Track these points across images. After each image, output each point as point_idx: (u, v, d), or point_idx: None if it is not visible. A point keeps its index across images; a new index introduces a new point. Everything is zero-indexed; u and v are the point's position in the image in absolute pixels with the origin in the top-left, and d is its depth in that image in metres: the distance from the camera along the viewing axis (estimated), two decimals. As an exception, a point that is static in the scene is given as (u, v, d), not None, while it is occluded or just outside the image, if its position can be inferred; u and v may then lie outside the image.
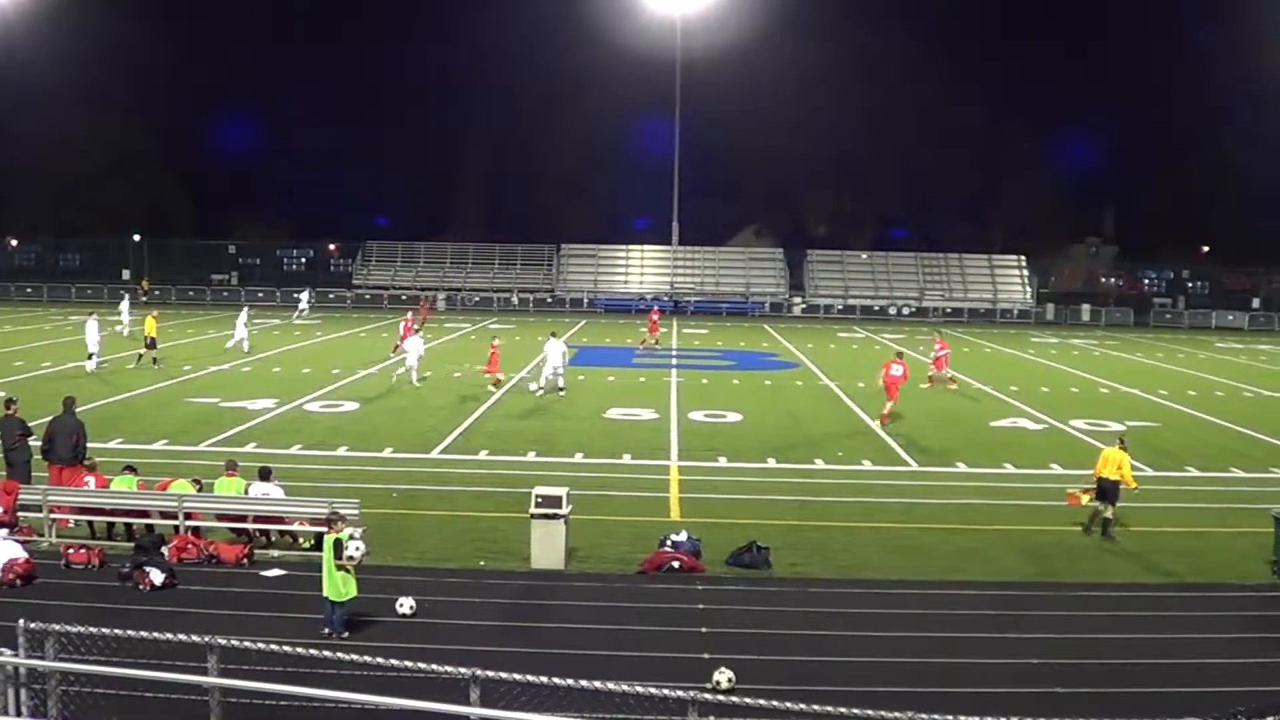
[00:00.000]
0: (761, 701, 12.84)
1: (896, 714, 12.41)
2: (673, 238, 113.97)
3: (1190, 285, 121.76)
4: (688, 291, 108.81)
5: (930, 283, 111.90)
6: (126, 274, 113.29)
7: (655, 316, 72.91)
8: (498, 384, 49.01)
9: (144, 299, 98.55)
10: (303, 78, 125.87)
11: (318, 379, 51.65)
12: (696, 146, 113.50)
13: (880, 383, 45.24)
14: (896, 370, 44.59)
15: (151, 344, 55.52)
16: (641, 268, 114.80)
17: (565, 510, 24.28)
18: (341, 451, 35.87)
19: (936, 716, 12.71)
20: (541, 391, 48.33)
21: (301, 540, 25.20)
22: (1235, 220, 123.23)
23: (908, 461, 36.79)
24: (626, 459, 35.87)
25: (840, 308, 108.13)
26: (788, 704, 12.68)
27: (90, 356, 52.94)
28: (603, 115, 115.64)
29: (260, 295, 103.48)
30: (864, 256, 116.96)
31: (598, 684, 13.17)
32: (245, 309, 67.94)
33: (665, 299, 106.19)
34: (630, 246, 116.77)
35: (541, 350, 52.02)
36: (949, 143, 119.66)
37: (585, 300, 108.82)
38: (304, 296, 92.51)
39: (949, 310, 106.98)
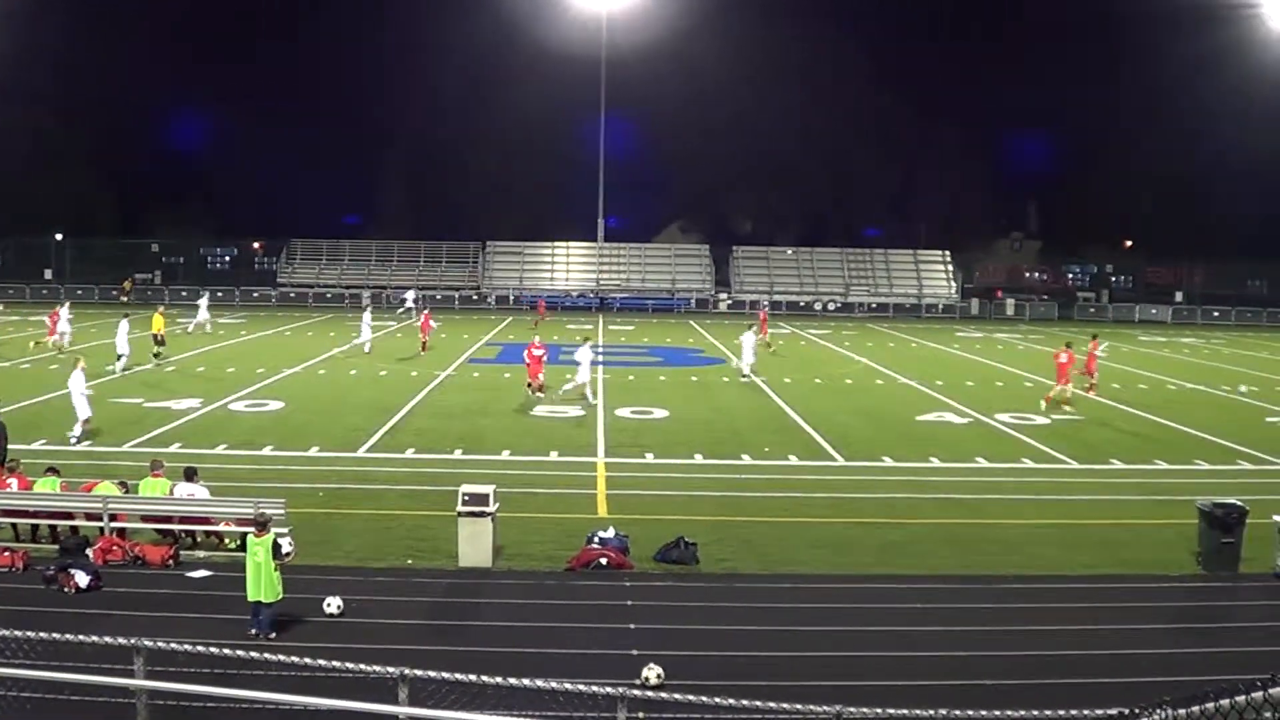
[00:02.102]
0: (690, 697, 12.86)
1: (825, 708, 12.47)
2: (598, 235, 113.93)
3: (1114, 279, 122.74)
4: (614, 288, 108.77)
5: (855, 278, 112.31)
6: (49, 273, 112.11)
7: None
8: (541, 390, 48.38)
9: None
10: (228, 76, 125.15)
11: (243, 378, 51.34)
12: (623, 144, 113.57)
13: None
14: (1063, 358, 48.37)
15: (160, 340, 57.03)
16: (567, 265, 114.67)
17: (493, 508, 24.26)
18: (267, 451, 35.67)
19: (865, 710, 12.78)
20: (590, 402, 47.84)
21: (227, 541, 25.06)
22: (1158, 215, 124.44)
23: (834, 456, 36.92)
24: (553, 456, 35.85)
25: (766, 304, 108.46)
26: (717, 699, 12.72)
27: (119, 358, 52.81)
28: (529, 113, 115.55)
29: (184, 295, 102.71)
30: (789, 252, 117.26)
31: (526, 682, 13.17)
32: (205, 295, 74.55)
33: (592, 295, 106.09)
34: (556, 244, 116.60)
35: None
36: (874, 139, 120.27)
37: (511, 297, 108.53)
38: (202, 304, 77.70)
39: (874, 305, 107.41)
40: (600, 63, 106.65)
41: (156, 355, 56.02)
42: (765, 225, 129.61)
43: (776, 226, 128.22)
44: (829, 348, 71.72)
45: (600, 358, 62.34)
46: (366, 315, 64.97)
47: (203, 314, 73.80)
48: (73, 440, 36.00)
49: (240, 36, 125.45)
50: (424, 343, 64.55)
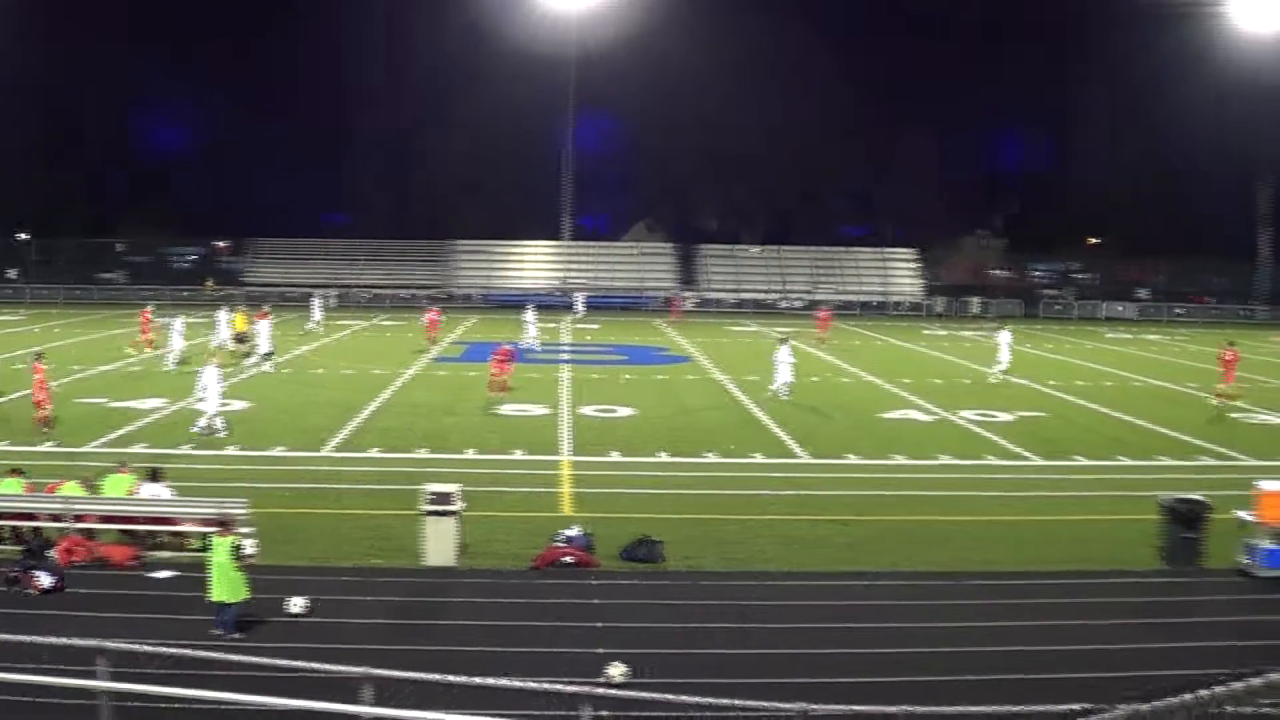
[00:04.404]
0: (656, 695, 12.88)
1: (791, 705, 12.50)
2: (565, 233, 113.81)
3: (1079, 277, 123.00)
4: (580, 287, 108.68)
5: (822, 276, 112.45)
6: (13, 273, 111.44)
7: (434, 317, 70.99)
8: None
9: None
10: (194, 76, 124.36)
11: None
12: (590, 142, 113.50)
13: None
14: (1229, 356, 50.11)
15: (241, 339, 58.47)
16: (535, 264, 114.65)
17: (457, 507, 24.25)
18: (231, 451, 35.56)
19: (830, 707, 12.82)
20: (785, 394, 47.85)
21: (191, 541, 24.97)
22: (1124, 212, 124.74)
23: (799, 454, 36.99)
24: (519, 455, 35.83)
25: (733, 302, 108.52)
26: (683, 696, 12.74)
27: (268, 356, 54.88)
28: (498, 112, 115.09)
29: (147, 295, 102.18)
30: (756, 250, 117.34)
31: (491, 681, 13.17)
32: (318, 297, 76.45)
33: (557, 294, 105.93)
34: (523, 242, 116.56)
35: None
36: (842, 137, 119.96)
37: (477, 296, 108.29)
38: (317, 304, 76.95)
39: (840, 304, 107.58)
40: (568, 61, 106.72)
41: (249, 355, 56.82)
42: (732, 223, 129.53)
43: (744, 224, 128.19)
44: (799, 347, 71.81)
45: (567, 357, 62.33)
46: (176, 322, 57.95)
47: (317, 313, 74.42)
48: (200, 430, 37.43)
49: (207, 33, 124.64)
50: (432, 338, 66.40)
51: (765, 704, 12.52)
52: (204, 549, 21.35)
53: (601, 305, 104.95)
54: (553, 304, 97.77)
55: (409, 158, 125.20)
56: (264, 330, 55.24)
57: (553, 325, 74.23)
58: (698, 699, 12.58)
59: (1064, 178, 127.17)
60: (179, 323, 56.28)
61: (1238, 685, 5.27)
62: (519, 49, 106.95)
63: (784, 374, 48.23)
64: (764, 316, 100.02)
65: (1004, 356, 55.90)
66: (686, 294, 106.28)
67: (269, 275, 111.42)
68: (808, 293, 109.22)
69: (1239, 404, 48.11)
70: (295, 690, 13.86)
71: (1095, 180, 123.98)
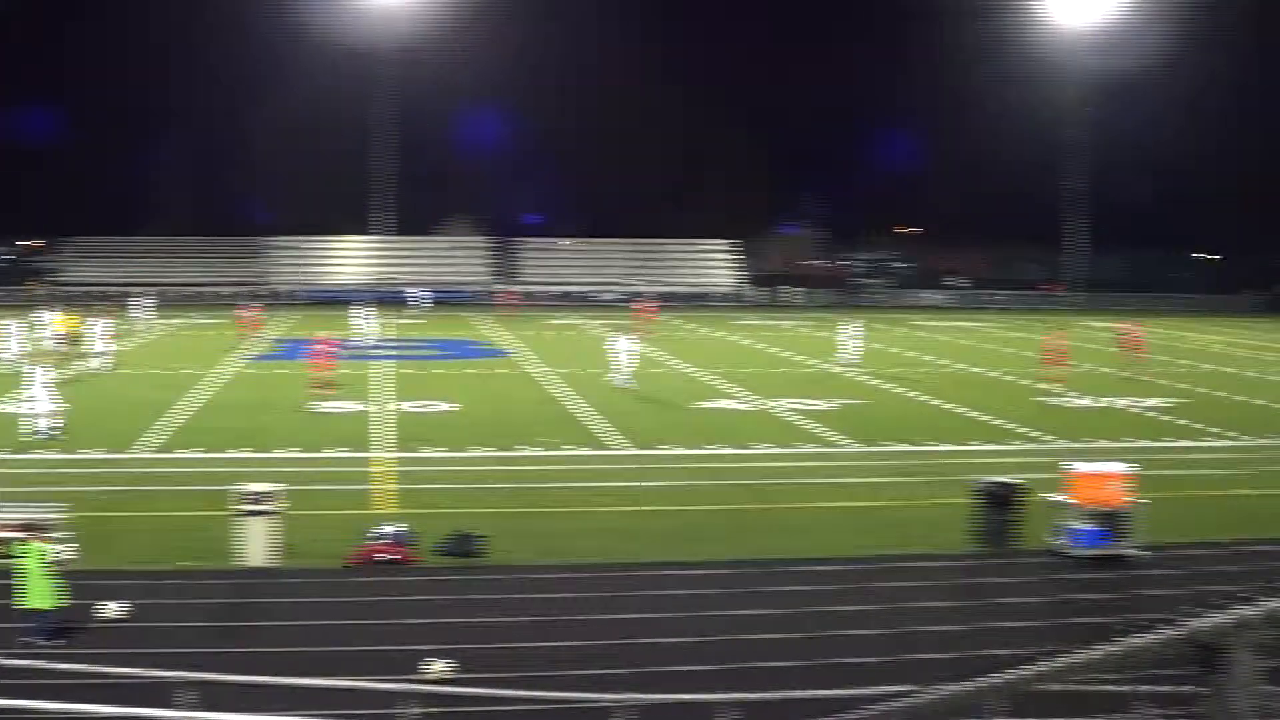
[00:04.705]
0: (478, 690, 12.84)
1: (612, 695, 12.51)
2: (382, 228, 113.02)
3: (895, 266, 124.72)
4: (398, 282, 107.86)
5: (640, 268, 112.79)
6: None
7: (252, 315, 70.34)
8: None
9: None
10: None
11: (11, 379, 50.01)
12: (407, 136, 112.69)
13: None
14: (1056, 344, 52.41)
15: (69, 340, 56.47)
16: (352, 259, 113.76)
17: (275, 506, 23.96)
18: (37, 455, 34.79)
19: (653, 696, 12.86)
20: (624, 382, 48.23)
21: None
22: (940, 202, 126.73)
23: (618, 445, 37.09)
24: (338, 452, 35.49)
25: (553, 295, 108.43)
26: (504, 691, 12.72)
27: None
28: (312, 106, 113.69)
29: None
30: (574, 243, 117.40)
31: (310, 681, 13.04)
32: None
33: (391, 290, 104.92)
34: (340, 238, 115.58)
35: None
36: (659, 128, 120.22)
37: (296, 293, 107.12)
38: (365, 313, 73.75)
39: (658, 295, 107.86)
40: (383, 53, 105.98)
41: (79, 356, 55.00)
42: (550, 217, 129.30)
43: (562, 218, 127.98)
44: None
45: (385, 352, 61.84)
46: (13, 325, 56.95)
47: (135, 312, 72.99)
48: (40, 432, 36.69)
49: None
50: (247, 336, 65.63)
51: (588, 695, 12.52)
52: (12, 556, 20.88)
53: (419, 299, 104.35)
54: (388, 299, 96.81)
55: (223, 154, 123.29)
56: (99, 330, 53.88)
57: (377, 321, 73.34)
58: (519, 693, 12.56)
59: (880, 167, 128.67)
60: (15, 326, 55.32)
61: (1052, 663, 5.36)
62: (332, 40, 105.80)
63: (623, 362, 49.10)
64: (583, 310, 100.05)
65: (851, 348, 56.68)
66: (512, 288, 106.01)
67: (82, 274, 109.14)
68: (626, 285, 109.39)
69: (1057, 389, 49.18)
70: (111, 697, 13.60)
71: (911, 170, 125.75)
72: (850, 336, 58.60)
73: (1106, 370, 56.47)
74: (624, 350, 49.65)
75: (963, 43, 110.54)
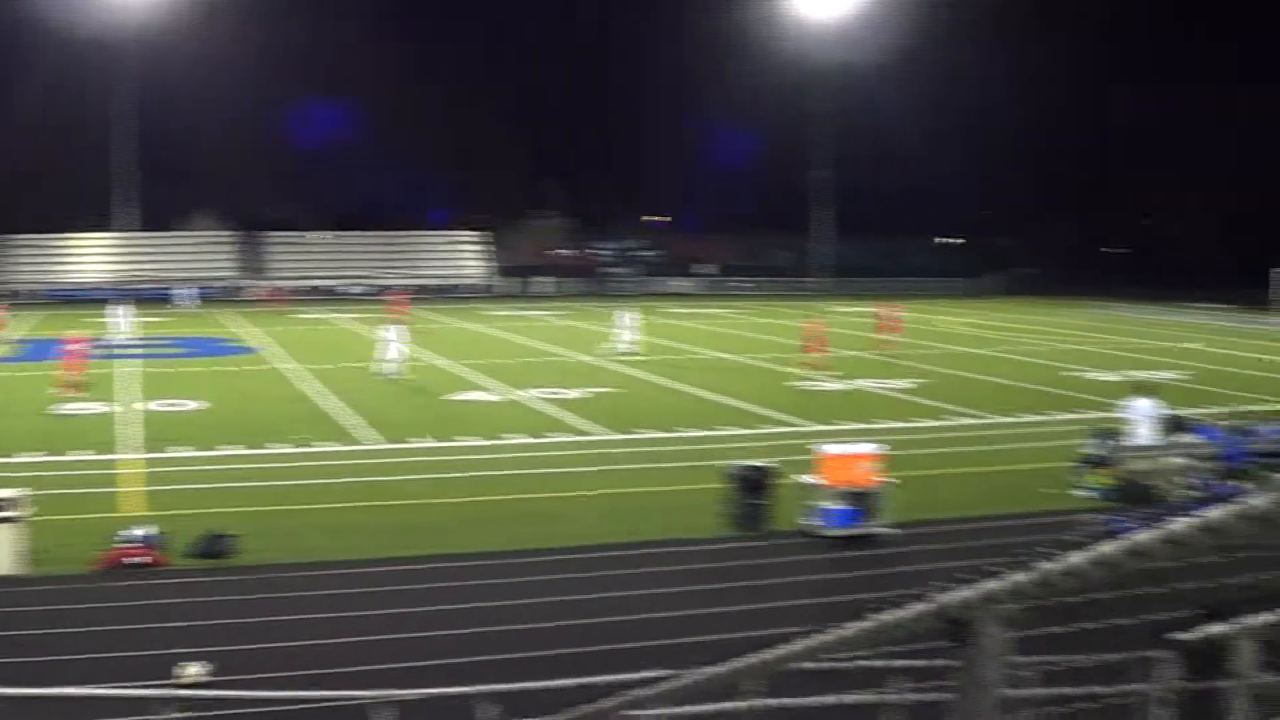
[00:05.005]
0: (235, 692, 12.67)
1: (372, 691, 12.44)
2: (124, 224, 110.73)
3: (644, 254, 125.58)
4: (141, 279, 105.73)
5: (390, 260, 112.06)
6: None
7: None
8: None
9: None
10: None
11: None
12: (148, 128, 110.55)
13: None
14: (820, 329, 52.50)
15: None
16: (94, 256, 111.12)
17: (19, 513, 23.30)
18: None
19: (415, 691, 12.81)
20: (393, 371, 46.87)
21: None
22: (684, 189, 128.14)
23: (369, 440, 36.82)
24: (82, 454, 34.62)
25: (301, 289, 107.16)
26: (263, 692, 12.57)
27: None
28: (49, 98, 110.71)
29: None
30: (322, 236, 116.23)
31: (63, 690, 12.74)
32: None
33: (150, 287, 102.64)
34: (80, 235, 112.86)
35: None
36: (407, 119, 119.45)
37: (38, 292, 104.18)
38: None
39: (409, 288, 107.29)
40: (122, 44, 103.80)
41: None
42: (298, 211, 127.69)
43: (310, 211, 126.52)
44: (360, 332, 71.36)
45: (129, 351, 60.51)
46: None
47: (127, 324, 66.91)
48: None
49: None
50: None
51: (346, 693, 12.42)
52: None
53: (164, 297, 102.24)
54: (150, 297, 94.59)
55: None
56: None
57: (133, 320, 71.62)
58: (277, 693, 12.42)
59: (629, 155, 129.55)
60: None
61: (807, 641, 5.45)
62: (69, 29, 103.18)
63: (393, 353, 49.35)
64: (332, 304, 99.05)
65: (628, 336, 56.98)
66: (263, 282, 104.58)
67: None
68: (374, 278, 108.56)
69: (814, 373, 50.00)
70: None
71: (659, 158, 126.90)
72: (627, 325, 58.85)
73: (858, 354, 57.53)
74: (393, 341, 49.55)
75: (712, 33, 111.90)
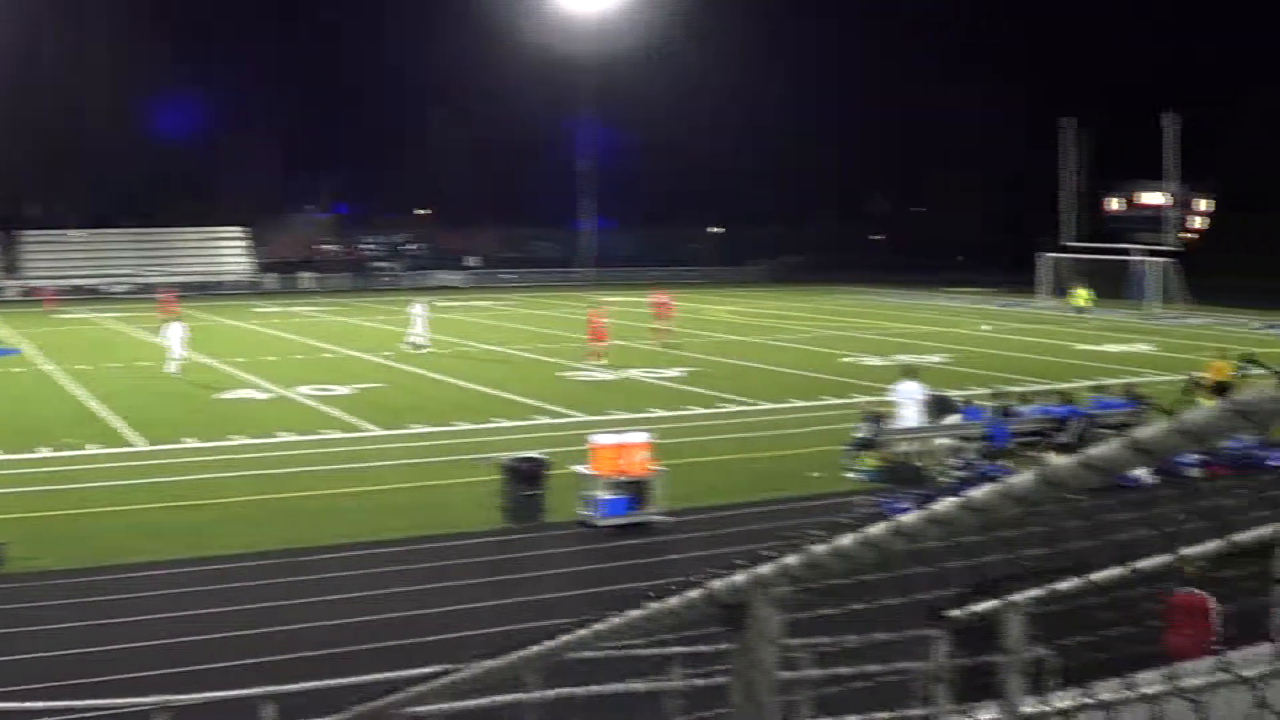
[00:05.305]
0: (7, 705, 12.38)
1: (151, 698, 12.25)
2: None
3: (409, 248, 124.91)
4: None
5: (151, 258, 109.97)
6: None
7: None
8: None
9: None
10: None
11: None
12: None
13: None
14: (600, 319, 52.51)
15: None
16: None
17: None
18: None
19: (192, 696, 12.63)
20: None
21: None
22: (450, 184, 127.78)
23: (138, 441, 36.14)
24: None
25: (61, 289, 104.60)
26: (37, 704, 12.31)
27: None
28: None
29: None
30: (79, 235, 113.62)
31: None
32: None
33: None
34: None
35: None
36: (170, 114, 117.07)
37: None
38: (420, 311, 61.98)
39: (173, 285, 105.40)
40: None
41: None
42: (56, 208, 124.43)
43: (68, 209, 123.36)
44: (125, 331, 69.99)
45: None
46: None
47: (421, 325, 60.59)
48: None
49: None
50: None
51: (125, 700, 12.22)
52: None
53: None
54: None
55: None
56: None
57: None
58: (54, 703, 12.17)
59: (394, 150, 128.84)
60: None
61: (586, 631, 5.49)
62: None
63: (176, 350, 49.59)
64: (93, 302, 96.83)
65: (420, 328, 56.52)
66: (18, 283, 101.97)
67: None
68: (136, 276, 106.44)
69: (596, 363, 50.28)
70: None
71: (424, 152, 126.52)
72: (419, 315, 58.13)
73: (630, 343, 57.75)
74: (175, 339, 49.51)
75: (478, 25, 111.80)
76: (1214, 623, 14.04)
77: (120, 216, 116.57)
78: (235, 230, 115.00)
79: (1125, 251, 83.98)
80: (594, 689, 10.26)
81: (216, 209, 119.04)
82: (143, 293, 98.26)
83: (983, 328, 65.79)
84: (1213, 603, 14.12)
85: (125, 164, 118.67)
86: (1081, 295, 72.47)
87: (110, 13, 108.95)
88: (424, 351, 55.78)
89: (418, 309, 58.60)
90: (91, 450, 35.02)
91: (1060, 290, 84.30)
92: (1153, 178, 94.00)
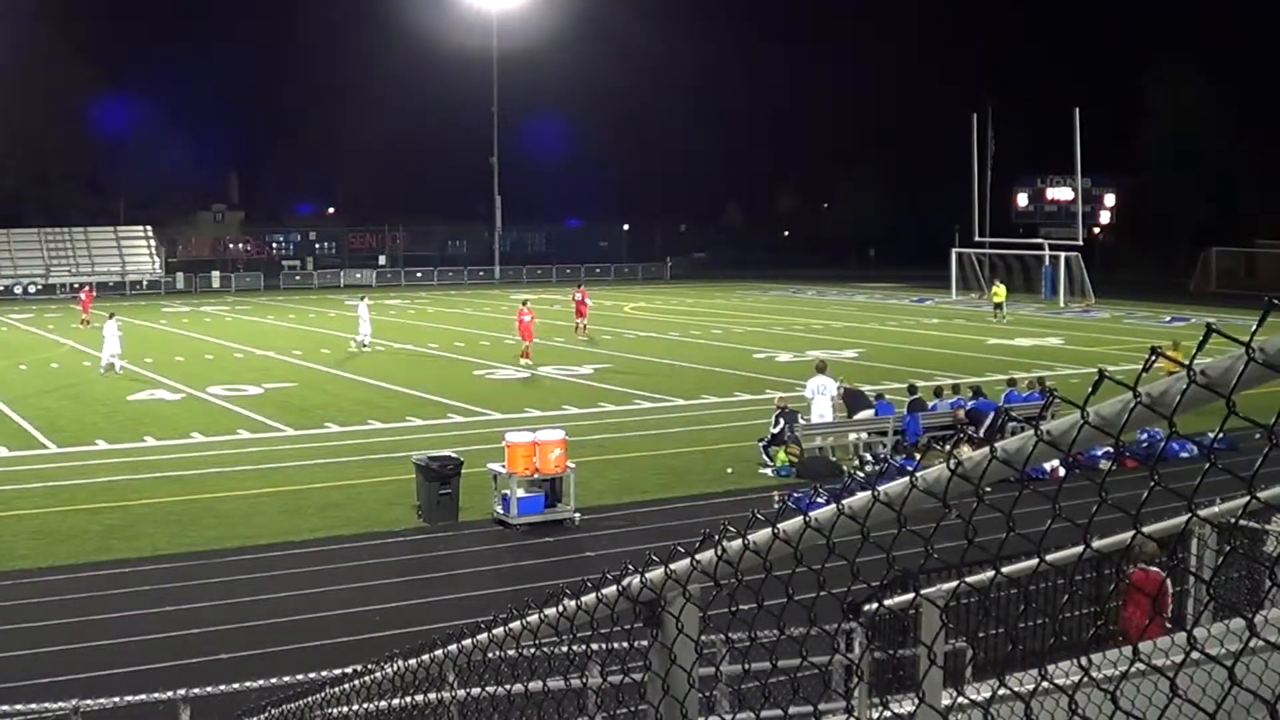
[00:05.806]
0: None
1: (62, 703, 12.17)
2: None
3: (318, 246, 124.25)
4: None
5: (56, 259, 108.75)
6: None
7: None
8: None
9: None
10: None
11: None
12: None
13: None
14: (527, 318, 52.10)
15: None
16: None
17: None
18: None
19: (104, 700, 12.55)
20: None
21: None
22: (358, 181, 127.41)
23: (46, 444, 35.72)
24: None
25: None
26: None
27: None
28: None
29: None
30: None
31: None
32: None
33: None
34: None
35: None
36: (70, 113, 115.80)
37: None
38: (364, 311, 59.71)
39: (78, 286, 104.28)
40: None
41: None
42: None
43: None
44: (32, 331, 69.18)
45: None
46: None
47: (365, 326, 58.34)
48: None
49: None
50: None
51: (36, 706, 12.10)
52: None
53: None
54: None
55: None
56: None
57: None
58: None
59: (298, 147, 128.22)
60: None
61: (502, 629, 5.51)
62: None
63: (114, 346, 49.61)
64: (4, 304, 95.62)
65: (364, 327, 56.18)
66: None
67: None
68: (43, 276, 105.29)
69: (524, 362, 50.23)
70: None
71: (334, 151, 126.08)
72: (364, 317, 57.60)
73: (546, 341, 57.64)
74: (113, 336, 49.73)
75: (387, 24, 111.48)
76: (1169, 601, 14.13)
77: (26, 216, 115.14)
78: (141, 230, 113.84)
79: (1034, 246, 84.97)
80: (514, 688, 10.25)
81: (122, 208, 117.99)
82: (49, 293, 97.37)
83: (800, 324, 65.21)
84: (1168, 582, 14.23)
85: (31, 163, 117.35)
86: (1000, 292, 73.13)
87: (15, 12, 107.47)
88: (365, 350, 55.50)
89: (361, 308, 58.18)
90: (0, 453, 34.62)
91: (965, 283, 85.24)
92: (1062, 172, 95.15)
